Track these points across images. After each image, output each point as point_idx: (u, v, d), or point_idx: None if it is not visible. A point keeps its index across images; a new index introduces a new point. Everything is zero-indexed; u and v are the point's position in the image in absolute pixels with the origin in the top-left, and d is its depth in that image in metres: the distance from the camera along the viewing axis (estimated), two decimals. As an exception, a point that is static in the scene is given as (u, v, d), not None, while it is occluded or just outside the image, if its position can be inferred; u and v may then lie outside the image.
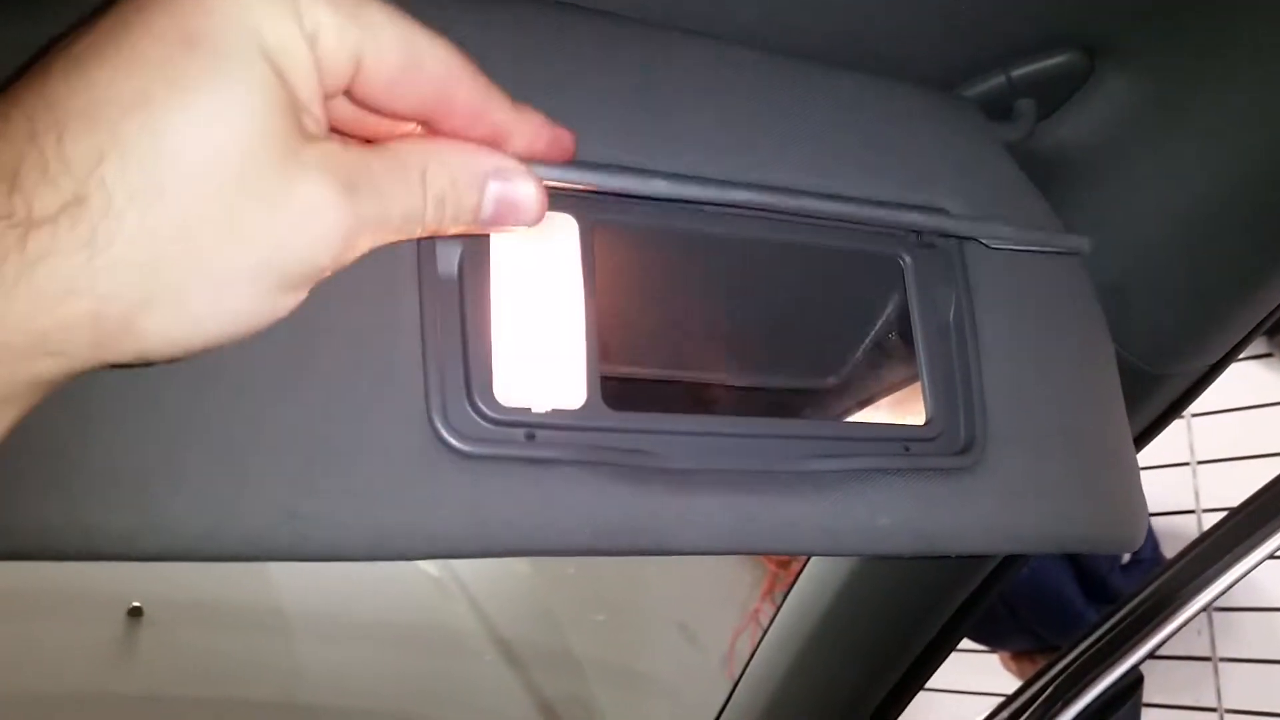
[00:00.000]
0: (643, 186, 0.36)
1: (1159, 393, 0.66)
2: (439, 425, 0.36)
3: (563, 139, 0.32)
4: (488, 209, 0.30)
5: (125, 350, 0.24)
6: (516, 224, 0.31)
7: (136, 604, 1.61)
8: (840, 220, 0.43)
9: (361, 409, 0.35)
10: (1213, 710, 2.09)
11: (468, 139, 0.30)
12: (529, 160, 0.32)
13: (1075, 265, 0.53)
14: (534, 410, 0.38)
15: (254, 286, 0.26)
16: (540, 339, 0.41)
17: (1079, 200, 0.57)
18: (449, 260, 0.38)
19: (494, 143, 0.30)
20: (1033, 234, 0.45)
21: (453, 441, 0.36)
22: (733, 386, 0.48)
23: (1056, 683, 0.82)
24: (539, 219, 0.32)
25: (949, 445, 0.48)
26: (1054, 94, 0.50)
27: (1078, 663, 0.79)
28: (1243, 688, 2.07)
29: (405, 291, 0.37)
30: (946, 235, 0.47)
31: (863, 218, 0.46)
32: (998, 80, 0.49)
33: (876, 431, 0.47)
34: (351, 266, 0.37)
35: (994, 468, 0.48)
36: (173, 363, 0.26)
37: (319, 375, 0.35)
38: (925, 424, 0.48)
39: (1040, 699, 0.82)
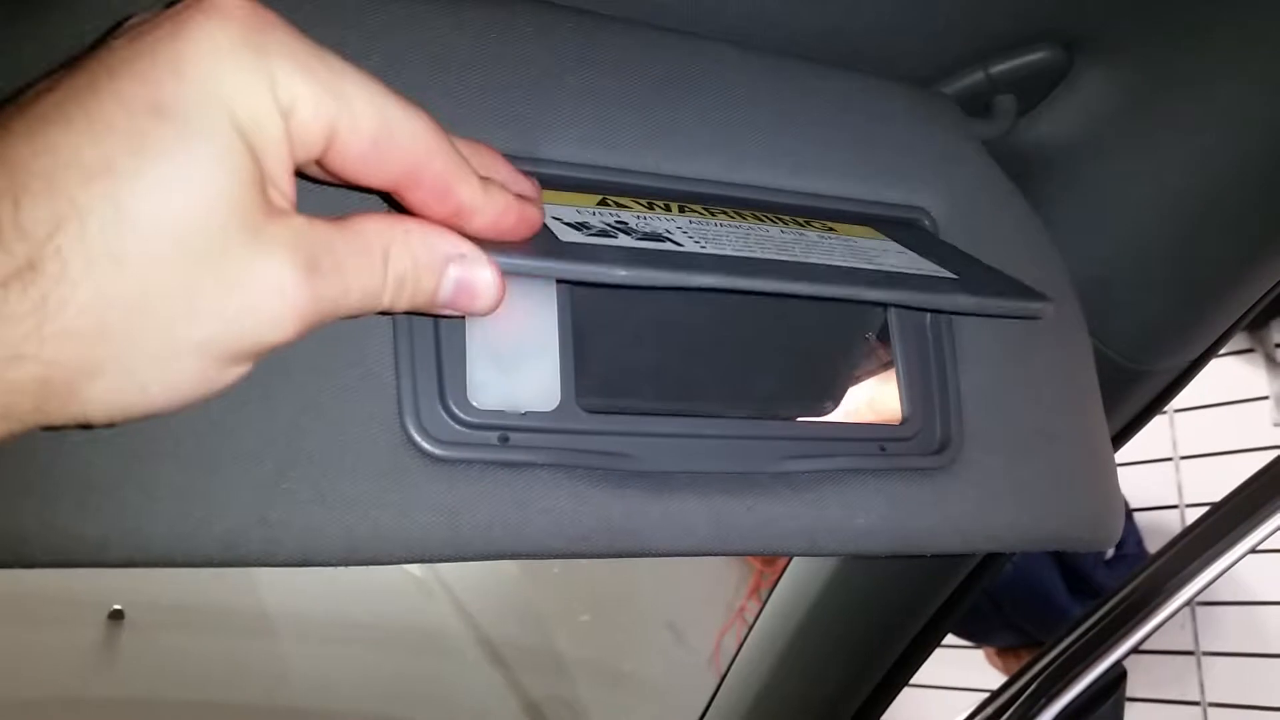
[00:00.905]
0: (608, 274, 0.35)
1: (1140, 389, 0.66)
2: (411, 428, 0.36)
3: (529, 217, 0.32)
4: (445, 293, 0.30)
5: (68, 414, 0.24)
6: (471, 310, 0.32)
7: (117, 607, 1.60)
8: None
9: (333, 412, 0.35)
10: (1196, 704, 2.10)
11: (431, 215, 0.30)
12: (496, 238, 0.32)
13: (1053, 262, 0.53)
14: (508, 413, 0.37)
15: (203, 360, 0.25)
16: (515, 340, 0.41)
17: (1059, 196, 0.57)
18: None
19: (459, 219, 0.30)
20: (994, 302, 0.44)
21: (425, 445, 0.36)
22: (710, 387, 0.47)
23: (1040, 679, 0.82)
24: (495, 306, 0.32)
25: (925, 445, 0.46)
26: (1033, 90, 0.50)
27: (1061, 659, 0.80)
28: (1226, 681, 2.09)
29: None
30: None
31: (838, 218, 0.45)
32: (976, 77, 0.49)
33: (852, 431, 0.47)
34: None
35: (970, 467, 0.48)
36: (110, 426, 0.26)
37: (289, 378, 0.35)
38: (901, 423, 0.48)
39: (1024, 695, 0.82)
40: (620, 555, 0.41)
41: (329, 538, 0.34)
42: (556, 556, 0.40)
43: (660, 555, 0.41)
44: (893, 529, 0.45)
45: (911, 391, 0.48)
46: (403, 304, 0.29)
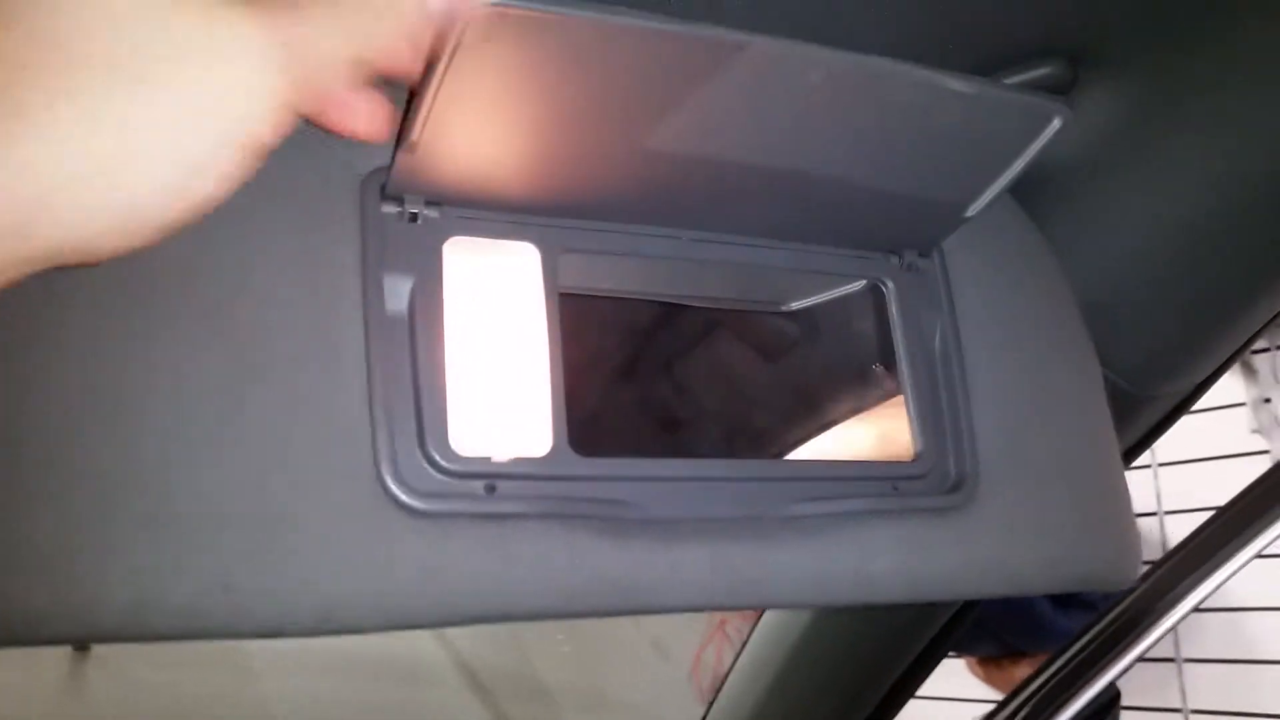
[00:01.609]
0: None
1: (1144, 414, 0.64)
2: (389, 480, 0.33)
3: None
4: None
5: (53, 238, 0.22)
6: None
7: (82, 640, 1.53)
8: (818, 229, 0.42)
9: (302, 464, 0.33)
10: (1178, 711, 2.10)
11: None
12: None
13: (1062, 288, 0.51)
14: (495, 459, 0.36)
15: (181, 145, 0.23)
16: (500, 380, 0.38)
17: (1061, 216, 0.55)
18: (397, 295, 0.36)
19: None
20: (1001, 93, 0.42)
21: (404, 498, 0.33)
22: (710, 425, 0.45)
23: (1034, 700, 0.80)
24: None
25: (939, 483, 0.46)
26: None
27: (1056, 679, 0.78)
28: (1208, 688, 2.09)
29: (349, 331, 0.35)
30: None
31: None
32: (980, 94, 0.46)
33: (863, 470, 0.45)
34: (287, 301, 0.35)
35: (987, 505, 0.46)
36: (120, 256, 0.24)
37: (254, 427, 0.32)
38: (913, 460, 0.46)
39: (1020, 714, 0.80)
40: (622, 613, 0.38)
41: (300, 605, 0.31)
42: (552, 617, 0.38)
43: (665, 611, 0.39)
44: (909, 574, 0.43)
45: (924, 426, 0.46)
46: (388, 35, 0.28)
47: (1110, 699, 0.84)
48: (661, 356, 0.44)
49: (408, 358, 0.36)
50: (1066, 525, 0.47)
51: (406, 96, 0.34)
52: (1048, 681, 0.77)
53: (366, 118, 0.30)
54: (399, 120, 0.34)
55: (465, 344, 0.38)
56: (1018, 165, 0.43)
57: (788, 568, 0.38)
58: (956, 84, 0.39)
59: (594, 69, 0.33)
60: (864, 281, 0.49)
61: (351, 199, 0.37)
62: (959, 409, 0.47)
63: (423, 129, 0.34)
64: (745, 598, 0.39)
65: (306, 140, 0.31)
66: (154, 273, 0.32)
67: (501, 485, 0.36)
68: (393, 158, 0.36)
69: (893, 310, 0.47)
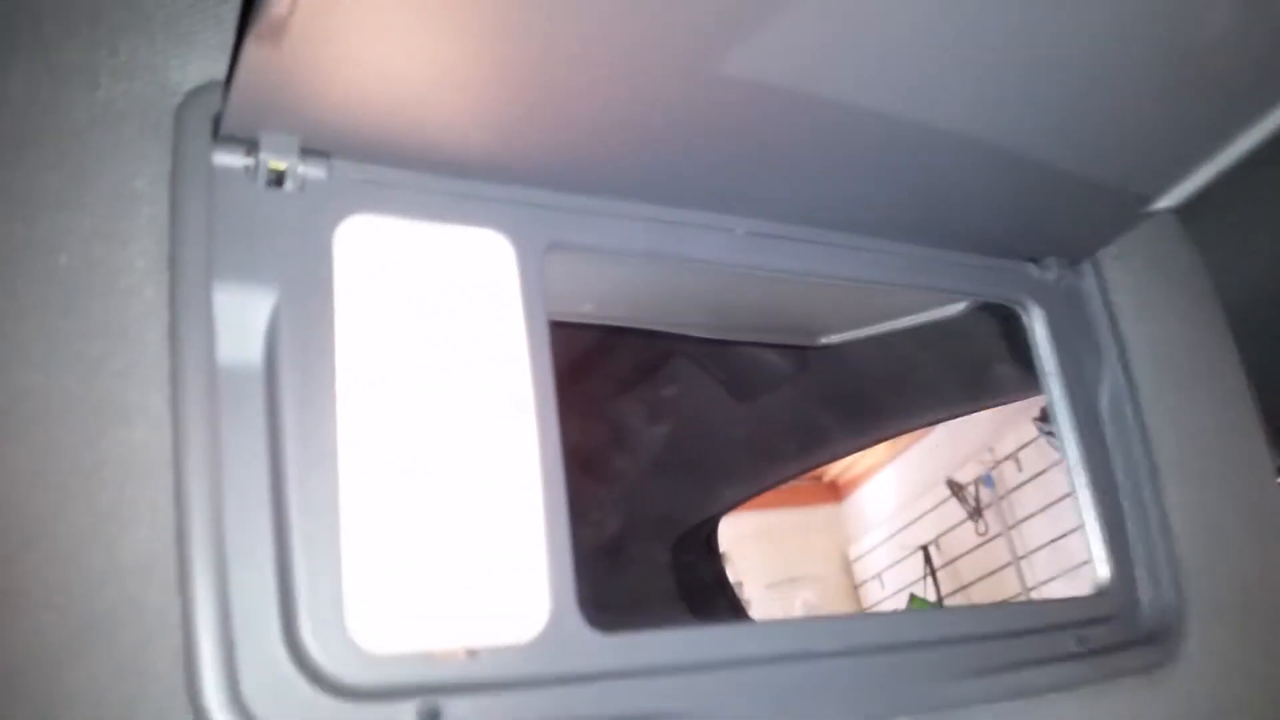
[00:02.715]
0: None
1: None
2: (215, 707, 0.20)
3: None
4: None
5: None
6: None
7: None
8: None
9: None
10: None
11: None
12: None
13: (1223, 326, 0.37)
14: (438, 651, 0.22)
15: None
16: (447, 497, 0.23)
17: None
18: (240, 329, 0.23)
19: None
20: None
21: None
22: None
23: None
24: None
25: (1135, 627, 0.31)
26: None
27: None
28: None
29: (141, 400, 0.21)
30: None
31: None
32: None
33: (1028, 618, 0.30)
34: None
35: (1199, 654, 0.32)
36: None
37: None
38: (1098, 594, 0.31)
39: None
40: None
41: None
42: None
43: None
44: None
45: (1110, 538, 0.31)
46: None
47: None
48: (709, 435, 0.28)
49: (261, 459, 0.22)
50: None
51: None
52: None
53: None
54: None
55: (374, 425, 0.23)
56: (1251, 138, 0.30)
57: None
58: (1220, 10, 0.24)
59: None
60: (963, 304, 0.35)
61: (156, 140, 0.24)
62: (1150, 512, 0.32)
63: None
64: None
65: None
66: None
67: (452, 706, 0.21)
68: (232, 62, 0.23)
69: (1040, 345, 0.33)
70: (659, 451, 0.31)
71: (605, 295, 0.33)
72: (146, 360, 0.22)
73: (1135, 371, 0.36)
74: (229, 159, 0.23)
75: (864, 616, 0.29)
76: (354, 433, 0.23)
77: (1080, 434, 0.33)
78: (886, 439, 0.41)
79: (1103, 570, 0.32)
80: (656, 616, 0.28)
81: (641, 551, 0.28)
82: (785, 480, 0.41)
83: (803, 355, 0.38)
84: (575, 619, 0.23)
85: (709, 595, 0.38)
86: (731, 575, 0.39)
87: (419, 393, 0.24)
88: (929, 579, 1.73)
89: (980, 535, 1.65)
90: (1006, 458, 1.54)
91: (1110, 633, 0.31)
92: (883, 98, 0.27)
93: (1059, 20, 0.26)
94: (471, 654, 0.21)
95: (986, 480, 1.62)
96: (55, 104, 0.22)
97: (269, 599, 0.21)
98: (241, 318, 0.23)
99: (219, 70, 0.24)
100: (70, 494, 0.21)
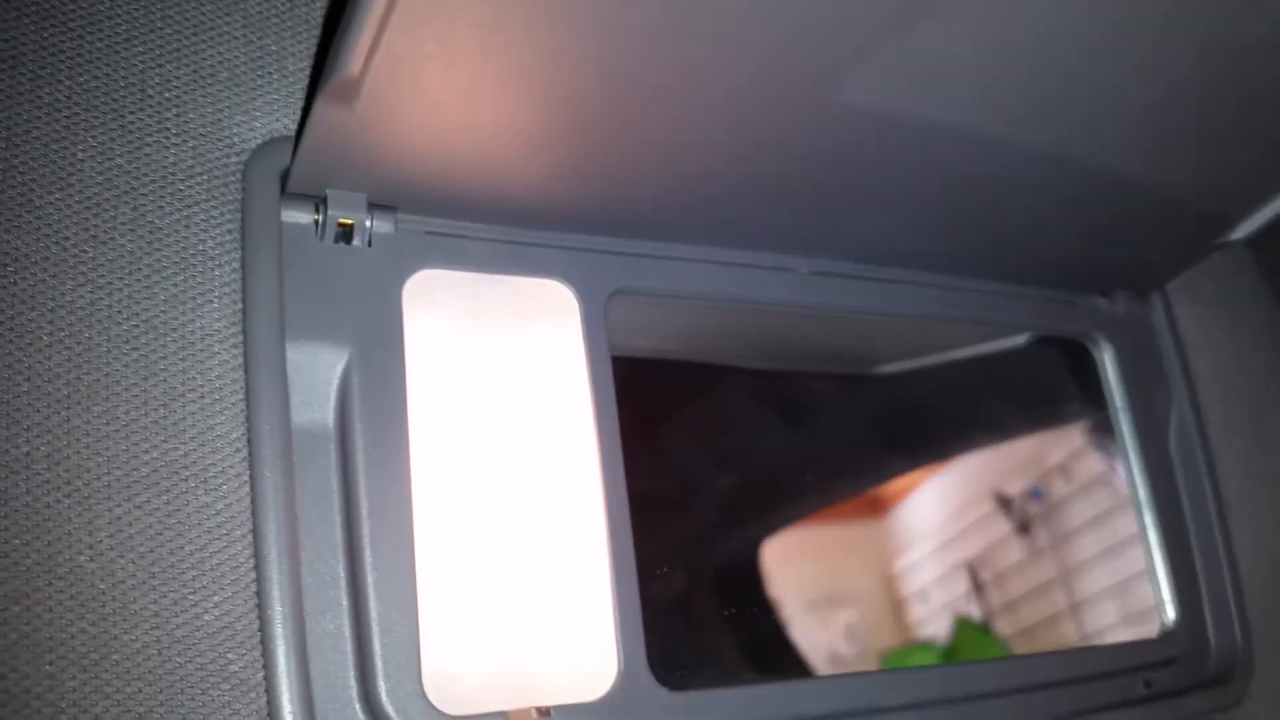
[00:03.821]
0: None
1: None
2: None
3: None
4: None
5: None
6: None
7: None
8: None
9: None
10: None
11: None
12: None
13: None
14: (516, 714, 0.21)
15: None
16: (518, 557, 0.23)
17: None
18: (315, 388, 0.23)
19: None
20: None
21: None
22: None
23: None
24: None
25: (1203, 668, 0.30)
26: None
27: None
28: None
29: (219, 460, 0.22)
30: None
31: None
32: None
33: (1098, 662, 0.29)
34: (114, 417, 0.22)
35: (1267, 694, 0.31)
36: None
37: None
38: (1163, 637, 0.30)
39: None
40: None
41: None
42: None
43: None
44: None
45: (1177, 579, 0.30)
46: None
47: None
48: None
49: (336, 517, 0.22)
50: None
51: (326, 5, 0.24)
52: None
53: None
54: (307, 51, 0.24)
55: (446, 481, 0.23)
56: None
57: None
58: None
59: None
60: (1025, 337, 0.34)
61: (225, 198, 0.24)
62: (1219, 551, 0.31)
63: (369, 55, 0.20)
64: None
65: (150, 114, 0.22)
66: None
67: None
68: (302, 119, 0.24)
69: (1109, 380, 0.32)
70: (719, 491, 0.30)
71: (666, 331, 0.33)
72: (225, 423, 0.22)
73: (1204, 407, 0.35)
74: (297, 216, 0.23)
75: (932, 670, 0.29)
76: (426, 489, 0.23)
77: (1149, 472, 0.32)
78: (940, 464, 0.40)
79: (1170, 611, 0.31)
80: (724, 670, 0.28)
81: (705, 601, 0.28)
82: (830, 505, 0.40)
83: (859, 383, 0.37)
84: (645, 676, 0.23)
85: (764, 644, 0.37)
86: (770, 593, 0.39)
87: (488, 446, 0.24)
88: (975, 596, 1.71)
89: (1028, 549, 1.63)
90: (1055, 468, 1.52)
91: (1178, 675, 0.30)
92: (954, 138, 0.27)
93: (1144, 53, 0.25)
94: (543, 713, 0.22)
95: (1034, 493, 1.60)
96: (126, 168, 0.22)
97: (347, 659, 0.21)
98: (314, 374, 0.23)
99: (283, 125, 0.24)
100: (158, 559, 0.21)
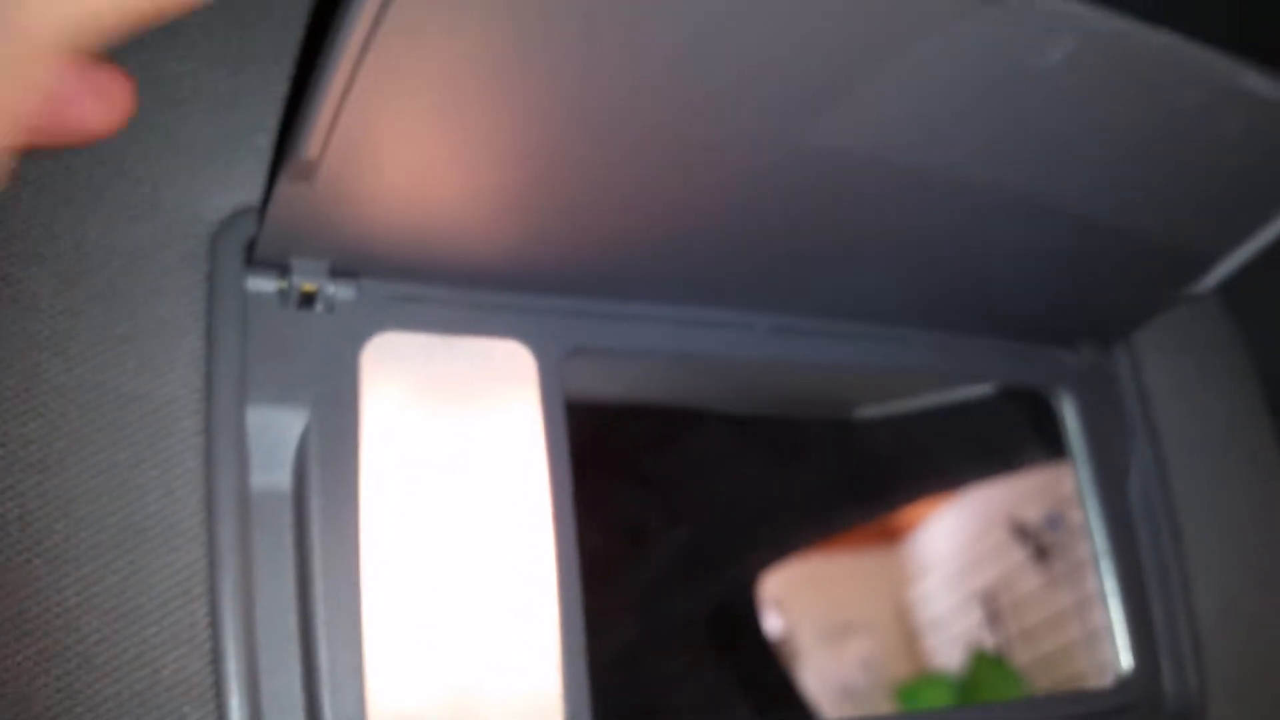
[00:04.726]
0: None
1: None
2: None
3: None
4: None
5: None
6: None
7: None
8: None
9: None
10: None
11: None
12: None
13: (1261, 408, 0.37)
14: None
15: None
16: (465, 613, 0.24)
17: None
18: (273, 451, 0.24)
19: None
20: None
21: None
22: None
23: None
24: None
25: (1158, 715, 0.31)
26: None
27: None
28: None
29: (176, 523, 0.23)
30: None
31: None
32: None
33: (1053, 710, 0.30)
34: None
35: None
36: None
37: None
38: (1118, 686, 0.30)
39: None
40: None
41: None
42: None
43: None
44: None
45: (1134, 627, 0.31)
46: None
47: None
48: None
49: (289, 577, 0.23)
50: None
51: (291, 75, 0.24)
52: None
53: (97, 101, 0.18)
54: (274, 127, 0.25)
55: (397, 540, 0.24)
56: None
57: None
58: (1262, 83, 0.23)
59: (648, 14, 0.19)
60: (989, 385, 0.34)
61: (193, 269, 0.25)
62: (1176, 599, 0.32)
63: (326, 137, 0.21)
64: None
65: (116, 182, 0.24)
66: None
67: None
68: (266, 193, 0.25)
69: (1070, 431, 0.33)
70: (675, 541, 0.31)
71: (630, 380, 0.33)
72: (185, 485, 0.23)
73: (1168, 456, 0.35)
74: (262, 284, 0.24)
75: (903, 717, 0.29)
76: (377, 548, 0.23)
77: (1108, 523, 0.32)
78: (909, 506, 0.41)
79: (1125, 659, 0.32)
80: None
81: (657, 654, 0.28)
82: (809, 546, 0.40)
83: (835, 426, 0.38)
84: (586, 724, 0.23)
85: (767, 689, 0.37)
86: (781, 624, 0.39)
87: (440, 504, 0.25)
88: (990, 626, 1.70)
89: (1045, 578, 1.61)
90: (1070, 497, 1.50)
91: (1129, 725, 0.32)
92: (916, 192, 0.27)
93: (1110, 105, 0.26)
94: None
95: (1052, 522, 1.58)
96: (100, 243, 0.23)
97: (298, 715, 0.22)
98: (274, 437, 0.24)
99: (251, 196, 0.25)
100: (120, 616, 0.22)
